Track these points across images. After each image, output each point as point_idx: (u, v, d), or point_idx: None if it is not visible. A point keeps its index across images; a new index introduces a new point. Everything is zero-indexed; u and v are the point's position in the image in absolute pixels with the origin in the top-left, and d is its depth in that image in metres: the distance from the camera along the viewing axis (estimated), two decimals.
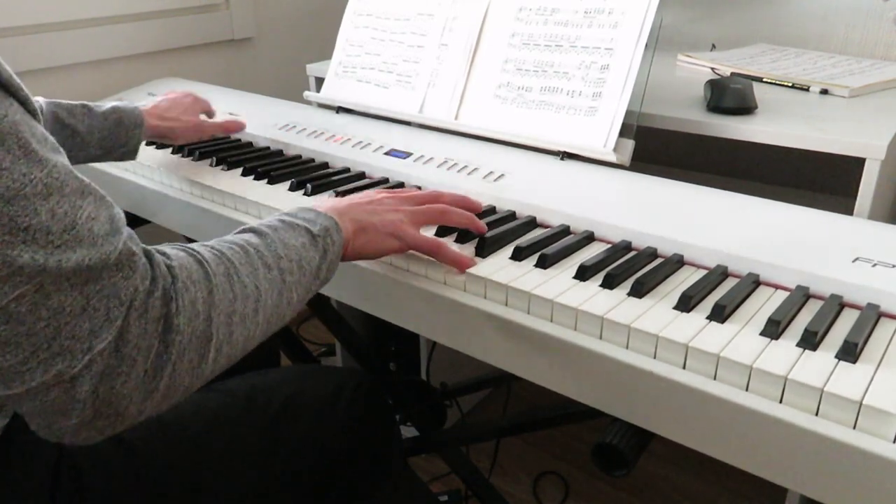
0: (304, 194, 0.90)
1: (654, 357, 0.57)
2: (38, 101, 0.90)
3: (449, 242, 0.74)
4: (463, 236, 0.76)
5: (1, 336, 0.42)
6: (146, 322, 0.46)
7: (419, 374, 1.47)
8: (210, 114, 1.11)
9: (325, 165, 1.01)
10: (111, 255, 0.45)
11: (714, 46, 1.43)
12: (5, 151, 0.41)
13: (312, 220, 0.64)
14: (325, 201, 0.70)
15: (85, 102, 0.95)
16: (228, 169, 1.00)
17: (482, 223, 0.75)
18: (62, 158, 0.46)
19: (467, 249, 0.74)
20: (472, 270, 0.68)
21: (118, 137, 0.95)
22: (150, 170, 1.04)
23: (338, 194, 0.88)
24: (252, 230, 0.61)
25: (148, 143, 1.11)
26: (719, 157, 1.41)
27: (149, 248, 0.50)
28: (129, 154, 0.98)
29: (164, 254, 0.51)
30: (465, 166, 0.91)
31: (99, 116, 0.94)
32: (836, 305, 0.60)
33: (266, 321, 0.57)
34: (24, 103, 0.44)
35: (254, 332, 0.55)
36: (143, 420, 0.48)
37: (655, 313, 0.60)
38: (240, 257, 0.56)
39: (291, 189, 0.91)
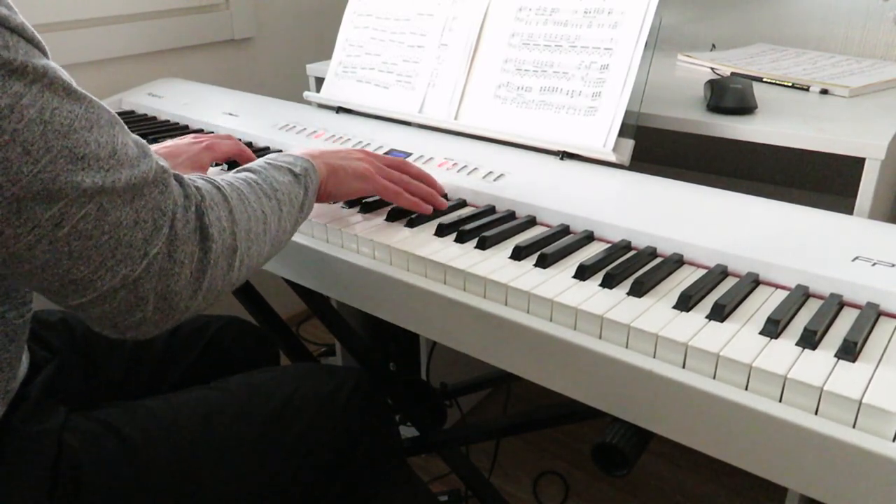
0: None
1: (654, 356, 0.57)
2: None
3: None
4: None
5: (74, 252, 0.49)
6: (188, 231, 0.54)
7: (419, 374, 1.47)
8: (243, 155, 0.95)
9: None
10: (149, 174, 0.53)
11: (714, 46, 1.43)
12: (53, 94, 0.48)
13: (292, 163, 0.71)
14: (299, 149, 0.77)
15: None
16: (228, 170, 0.99)
17: (434, 202, 0.81)
18: (89, 94, 0.52)
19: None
20: (471, 270, 0.67)
21: None
22: None
23: None
24: (247, 169, 0.68)
25: None
26: (719, 157, 1.41)
27: (177, 172, 0.57)
28: None
29: (190, 178, 0.59)
30: (465, 166, 0.91)
31: None
32: (836, 304, 0.60)
33: (271, 243, 0.65)
34: (46, 55, 0.50)
35: (263, 250, 0.64)
36: (190, 313, 0.56)
37: (655, 313, 0.60)
38: (246, 187, 0.63)
39: None
